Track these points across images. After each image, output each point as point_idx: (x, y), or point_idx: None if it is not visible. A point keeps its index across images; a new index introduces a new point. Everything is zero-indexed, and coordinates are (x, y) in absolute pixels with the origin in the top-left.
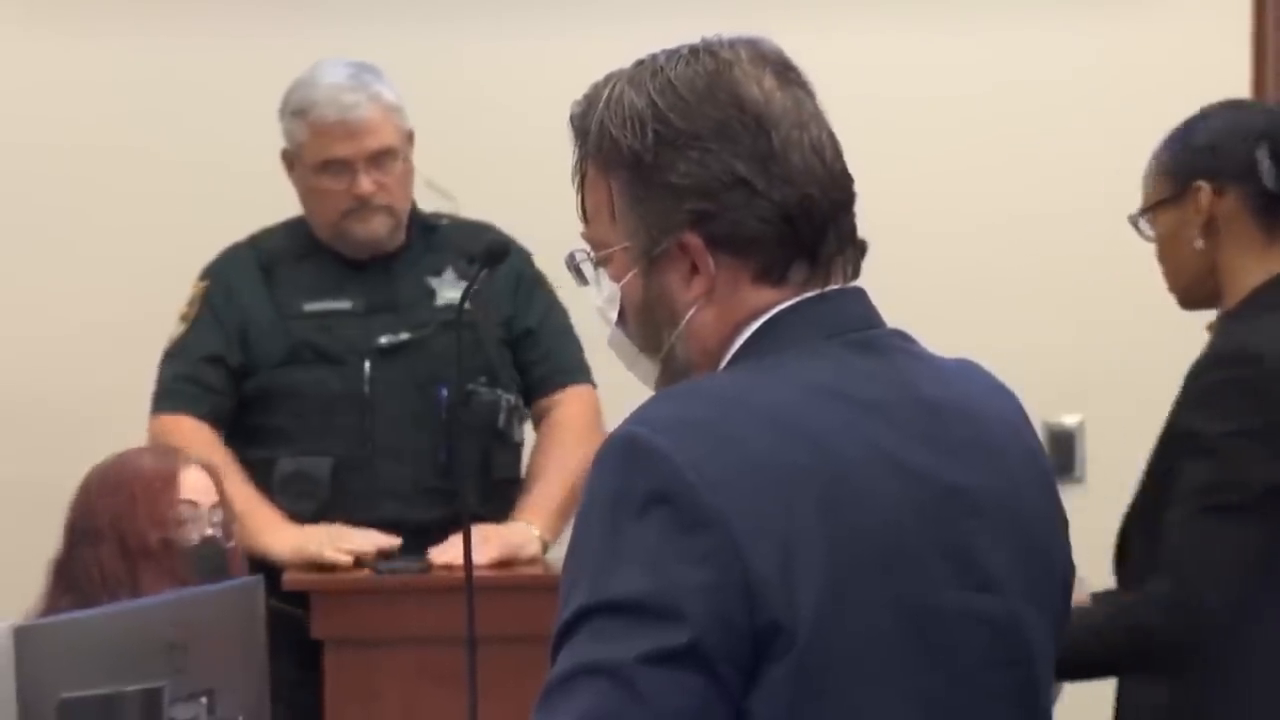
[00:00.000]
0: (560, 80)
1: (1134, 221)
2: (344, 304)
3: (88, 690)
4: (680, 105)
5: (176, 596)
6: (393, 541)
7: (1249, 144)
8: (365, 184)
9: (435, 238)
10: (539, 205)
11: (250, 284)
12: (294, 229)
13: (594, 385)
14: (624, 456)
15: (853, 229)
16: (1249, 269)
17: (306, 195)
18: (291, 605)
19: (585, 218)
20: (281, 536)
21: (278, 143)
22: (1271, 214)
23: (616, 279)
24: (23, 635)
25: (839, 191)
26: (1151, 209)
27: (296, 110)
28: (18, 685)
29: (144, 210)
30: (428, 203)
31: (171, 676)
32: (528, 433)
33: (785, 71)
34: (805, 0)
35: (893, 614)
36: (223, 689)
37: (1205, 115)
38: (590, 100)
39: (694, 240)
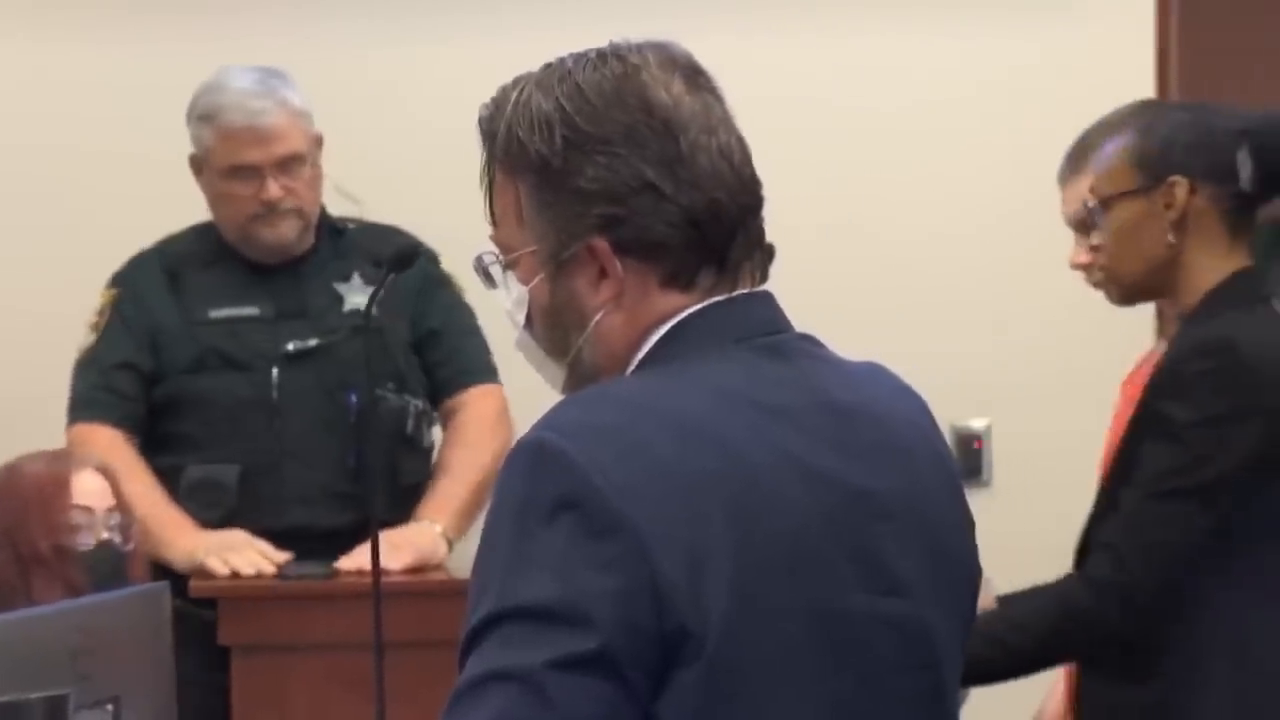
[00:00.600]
0: (466, 82)
1: (1089, 208)
2: (251, 310)
3: None
4: (588, 110)
5: (81, 603)
6: (285, 556)
7: (1230, 144)
8: (273, 189)
9: (343, 242)
10: (446, 206)
11: (156, 290)
12: (202, 233)
13: (499, 384)
14: (532, 462)
15: (761, 233)
16: (1209, 268)
17: (214, 200)
18: (200, 609)
19: (493, 221)
20: (179, 543)
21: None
22: (1240, 216)
23: (524, 282)
24: None
25: (747, 196)
26: (1115, 198)
27: (203, 115)
28: None
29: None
30: (336, 207)
31: (76, 684)
32: (436, 436)
33: (694, 76)
34: (725, 5)
35: (801, 618)
36: (128, 696)
37: (1179, 111)
38: (498, 104)
39: (602, 245)
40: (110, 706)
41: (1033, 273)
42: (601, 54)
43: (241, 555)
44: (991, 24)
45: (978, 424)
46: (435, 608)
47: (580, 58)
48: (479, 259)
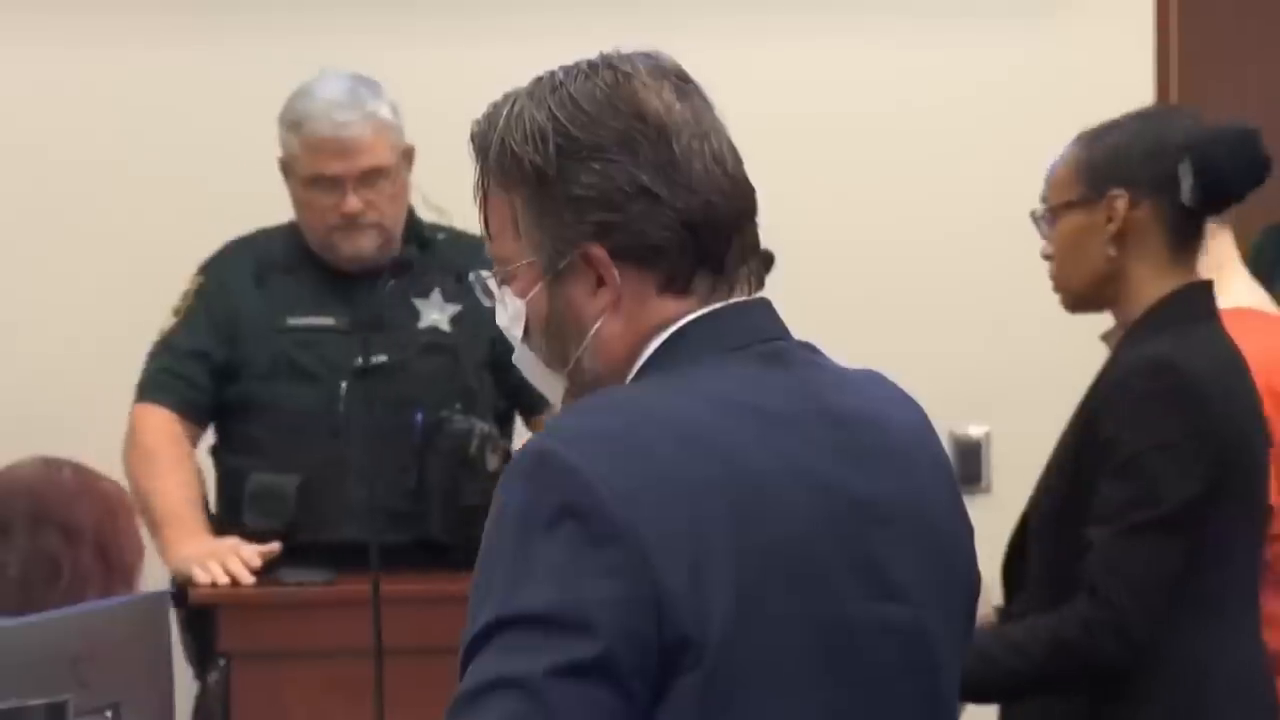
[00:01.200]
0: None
1: (1036, 217)
2: (328, 320)
3: None
4: (581, 118)
5: (81, 609)
6: (272, 548)
7: (1172, 157)
8: (353, 202)
9: (428, 254)
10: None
11: (244, 286)
12: (291, 234)
13: None
14: (534, 470)
15: (756, 238)
16: (1152, 281)
17: (298, 206)
18: (200, 618)
19: (489, 235)
20: (173, 550)
21: (265, 154)
22: (1182, 229)
23: (522, 295)
24: None
25: (741, 200)
26: (1060, 208)
27: (291, 122)
28: None
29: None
30: (430, 215)
31: (76, 690)
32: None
33: (684, 84)
34: (714, 15)
35: (801, 625)
36: (128, 702)
37: (1126, 122)
38: (490, 118)
39: (598, 252)
40: (110, 713)
41: (1031, 278)
42: (592, 64)
43: (227, 562)
44: (990, 27)
45: (976, 430)
46: (435, 614)
47: (571, 69)
48: (476, 275)
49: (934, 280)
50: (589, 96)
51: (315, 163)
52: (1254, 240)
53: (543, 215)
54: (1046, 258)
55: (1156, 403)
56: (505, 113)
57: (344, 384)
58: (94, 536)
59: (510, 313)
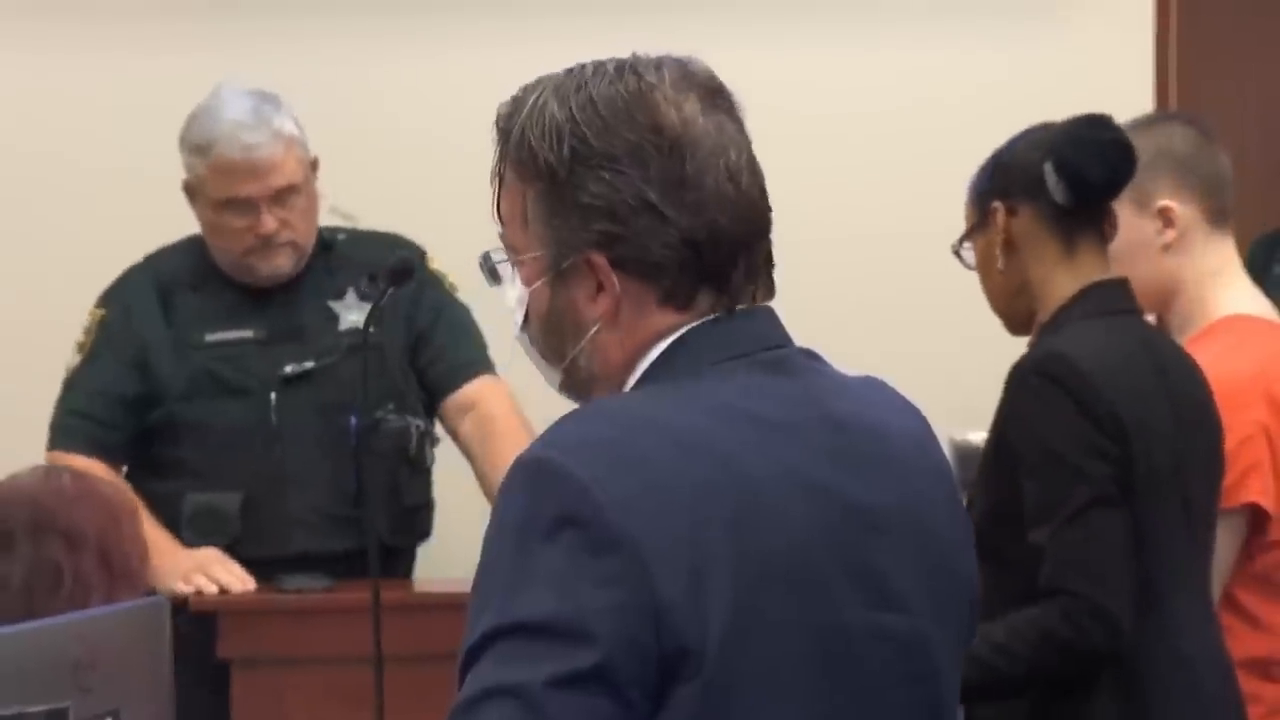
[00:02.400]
0: (460, 88)
1: (956, 252)
2: (246, 333)
3: None
4: (598, 124)
5: (82, 616)
6: (247, 584)
7: (1036, 160)
8: (269, 223)
9: (334, 256)
10: (435, 209)
11: (148, 311)
12: (192, 249)
13: (502, 379)
14: (532, 479)
15: (767, 255)
16: (1057, 281)
17: (207, 229)
18: (198, 625)
19: (500, 219)
20: (159, 573)
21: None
22: (1067, 226)
23: (526, 284)
24: None
25: (753, 219)
26: (966, 237)
27: (195, 146)
28: None
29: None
30: (325, 217)
31: (77, 696)
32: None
33: (712, 95)
34: (717, 17)
35: (800, 633)
36: (128, 709)
37: (1005, 143)
38: (517, 104)
39: (600, 260)
40: (110, 719)
41: None
42: (620, 67)
43: (213, 573)
44: (991, 28)
45: (976, 437)
46: (434, 621)
47: (599, 69)
48: (486, 256)
49: (934, 284)
50: (609, 102)
51: (227, 186)
52: (1247, 250)
53: (551, 215)
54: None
55: (1053, 394)
56: (531, 102)
57: (274, 395)
58: (96, 543)
59: (515, 296)
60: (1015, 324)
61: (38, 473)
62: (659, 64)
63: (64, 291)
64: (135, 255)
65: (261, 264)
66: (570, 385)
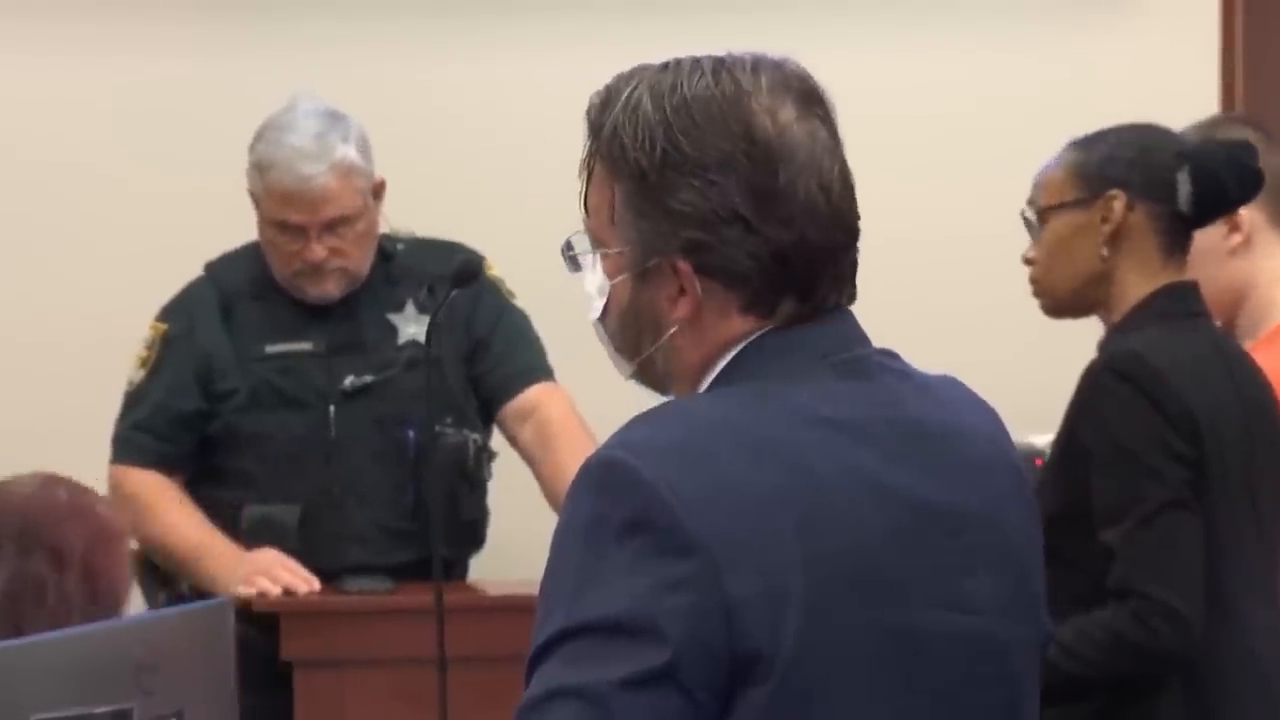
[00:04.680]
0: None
1: (1027, 216)
2: (305, 345)
3: (57, 712)
4: (692, 130)
5: (145, 618)
6: (311, 584)
7: (1171, 164)
8: (318, 252)
9: (393, 267)
10: (491, 211)
11: (210, 324)
12: (253, 259)
13: (560, 385)
14: (602, 480)
15: (853, 267)
16: (1140, 285)
17: (264, 243)
18: (261, 627)
19: (586, 210)
20: (223, 579)
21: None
22: (1173, 235)
23: (609, 276)
24: None
25: (841, 232)
26: (1053, 209)
27: (256, 164)
28: None
29: (137, 238)
30: (383, 224)
31: (141, 698)
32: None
33: (807, 100)
34: (778, 21)
35: (873, 636)
36: (191, 710)
37: (1120, 130)
38: (610, 97)
39: (684, 265)
40: None
41: None
42: (717, 68)
43: (291, 572)
44: (1055, 29)
45: (1040, 440)
46: (497, 623)
47: (695, 67)
48: (567, 243)
49: (997, 285)
50: (704, 107)
51: (279, 210)
52: None
53: (639, 216)
54: (1028, 262)
55: (1128, 393)
56: (625, 97)
57: (333, 408)
58: (81, 562)
59: (596, 285)
60: (1065, 309)
61: (35, 482)
62: (755, 65)
63: (108, 301)
64: (193, 265)
65: (309, 287)
66: (643, 379)
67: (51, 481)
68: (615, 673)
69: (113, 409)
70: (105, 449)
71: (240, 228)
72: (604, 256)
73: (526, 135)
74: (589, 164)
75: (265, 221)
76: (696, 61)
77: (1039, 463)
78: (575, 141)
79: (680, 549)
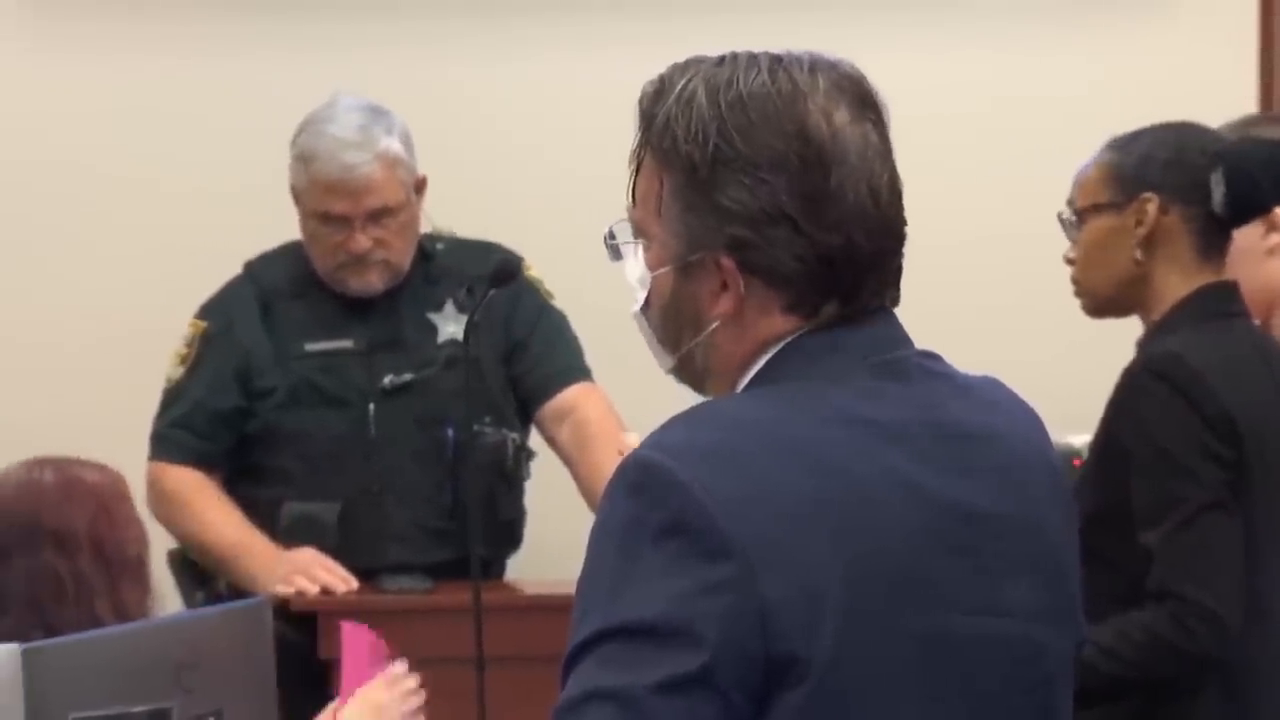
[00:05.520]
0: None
1: (1063, 220)
2: (345, 343)
3: (96, 710)
4: (745, 127)
5: (184, 617)
6: (350, 583)
7: (1205, 165)
8: (361, 242)
9: (433, 266)
10: (530, 212)
11: (250, 322)
12: (293, 258)
13: (598, 386)
14: (638, 482)
15: (898, 272)
16: (1177, 286)
17: (307, 237)
18: (299, 626)
19: (633, 199)
20: (261, 579)
21: (270, 170)
22: (1209, 236)
23: (651, 267)
24: (31, 656)
25: (888, 238)
26: (1089, 210)
27: (299, 156)
28: (26, 706)
29: (141, 237)
30: (424, 224)
31: (180, 697)
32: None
33: (862, 104)
34: (811, 20)
35: (909, 640)
36: (231, 709)
37: (1156, 130)
38: (664, 87)
39: (728, 262)
40: (213, 719)
41: None
42: (774, 65)
43: (329, 572)
44: (1093, 28)
45: (1078, 440)
46: (535, 623)
47: (752, 63)
48: (610, 231)
49: (1037, 285)
50: (759, 105)
51: (323, 200)
52: None
53: (686, 210)
54: (1069, 261)
55: (1167, 394)
56: (679, 89)
57: (372, 406)
58: (88, 539)
59: (638, 276)
60: (1105, 309)
61: (20, 473)
62: (813, 65)
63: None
64: (233, 265)
65: (353, 279)
66: (682, 374)
67: (35, 466)
68: (651, 676)
69: (123, 408)
70: (139, 447)
71: (252, 227)
72: (647, 247)
73: (565, 136)
74: (639, 153)
75: (308, 214)
76: (753, 57)
77: (1076, 463)
78: (615, 143)
79: (716, 551)
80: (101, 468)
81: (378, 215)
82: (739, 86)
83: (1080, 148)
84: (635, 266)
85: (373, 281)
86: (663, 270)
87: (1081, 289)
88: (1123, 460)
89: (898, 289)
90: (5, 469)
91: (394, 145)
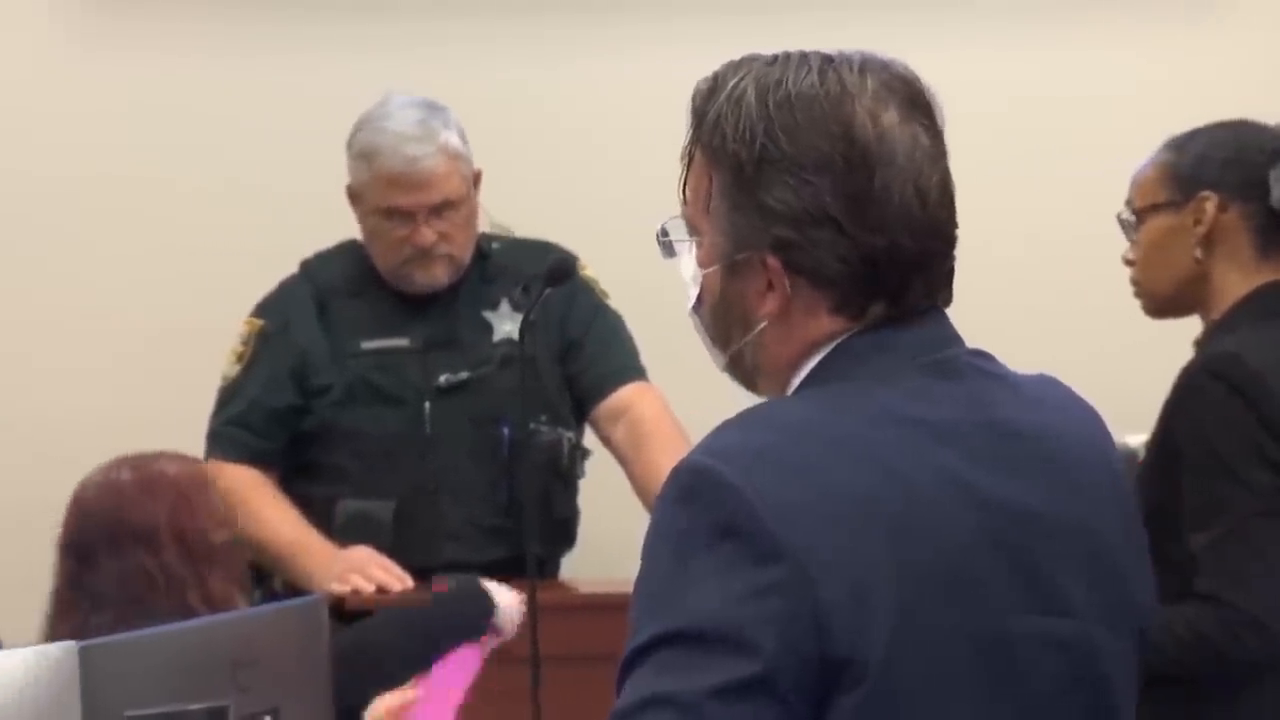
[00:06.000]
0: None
1: (1121, 220)
2: (402, 341)
3: (153, 708)
4: (792, 127)
5: (240, 615)
6: (405, 582)
7: (1264, 162)
8: (427, 235)
9: (489, 264)
10: (587, 212)
11: (306, 320)
12: (349, 256)
13: (650, 382)
14: (692, 487)
15: (949, 273)
16: (1238, 284)
17: (368, 235)
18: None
19: (684, 197)
20: (318, 577)
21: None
22: (1269, 234)
23: (702, 265)
24: (88, 654)
25: (936, 239)
26: (1147, 210)
27: (360, 153)
28: (83, 704)
29: (164, 237)
30: (481, 223)
31: (236, 695)
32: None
33: (912, 104)
34: (865, 19)
35: (964, 641)
36: (287, 707)
37: (1213, 129)
38: (716, 85)
39: (774, 262)
40: (269, 717)
41: None
42: (824, 66)
43: (385, 570)
44: (1149, 27)
45: (1134, 440)
46: (590, 623)
47: (802, 63)
48: (663, 229)
49: (1091, 283)
50: (807, 106)
51: (388, 196)
52: None
53: (733, 208)
54: (1128, 262)
55: (1223, 394)
56: (730, 87)
57: (428, 404)
58: (170, 533)
59: (690, 273)
60: (1166, 309)
61: (100, 476)
62: (863, 66)
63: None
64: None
65: (418, 274)
66: (734, 373)
67: (114, 467)
68: (708, 681)
69: (176, 407)
70: (195, 446)
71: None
72: (699, 244)
73: (621, 135)
74: (690, 150)
75: (370, 211)
76: (804, 57)
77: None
78: (670, 142)
79: (769, 555)
80: (181, 458)
81: (440, 209)
82: (788, 87)
83: (1142, 147)
84: (688, 264)
85: (438, 275)
86: (712, 268)
87: (1141, 289)
88: (1175, 460)
89: (949, 290)
90: (85, 479)
91: (453, 138)
